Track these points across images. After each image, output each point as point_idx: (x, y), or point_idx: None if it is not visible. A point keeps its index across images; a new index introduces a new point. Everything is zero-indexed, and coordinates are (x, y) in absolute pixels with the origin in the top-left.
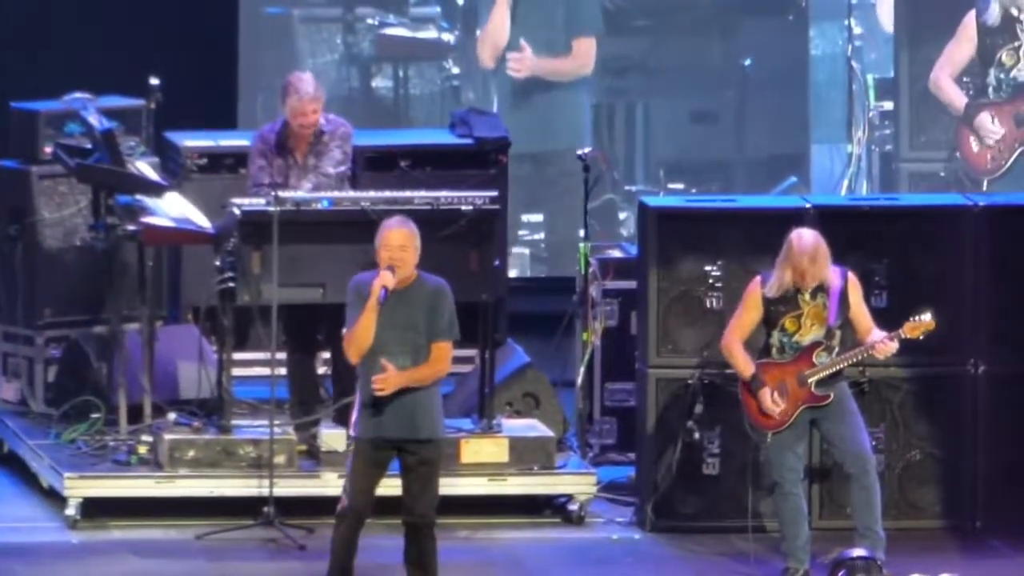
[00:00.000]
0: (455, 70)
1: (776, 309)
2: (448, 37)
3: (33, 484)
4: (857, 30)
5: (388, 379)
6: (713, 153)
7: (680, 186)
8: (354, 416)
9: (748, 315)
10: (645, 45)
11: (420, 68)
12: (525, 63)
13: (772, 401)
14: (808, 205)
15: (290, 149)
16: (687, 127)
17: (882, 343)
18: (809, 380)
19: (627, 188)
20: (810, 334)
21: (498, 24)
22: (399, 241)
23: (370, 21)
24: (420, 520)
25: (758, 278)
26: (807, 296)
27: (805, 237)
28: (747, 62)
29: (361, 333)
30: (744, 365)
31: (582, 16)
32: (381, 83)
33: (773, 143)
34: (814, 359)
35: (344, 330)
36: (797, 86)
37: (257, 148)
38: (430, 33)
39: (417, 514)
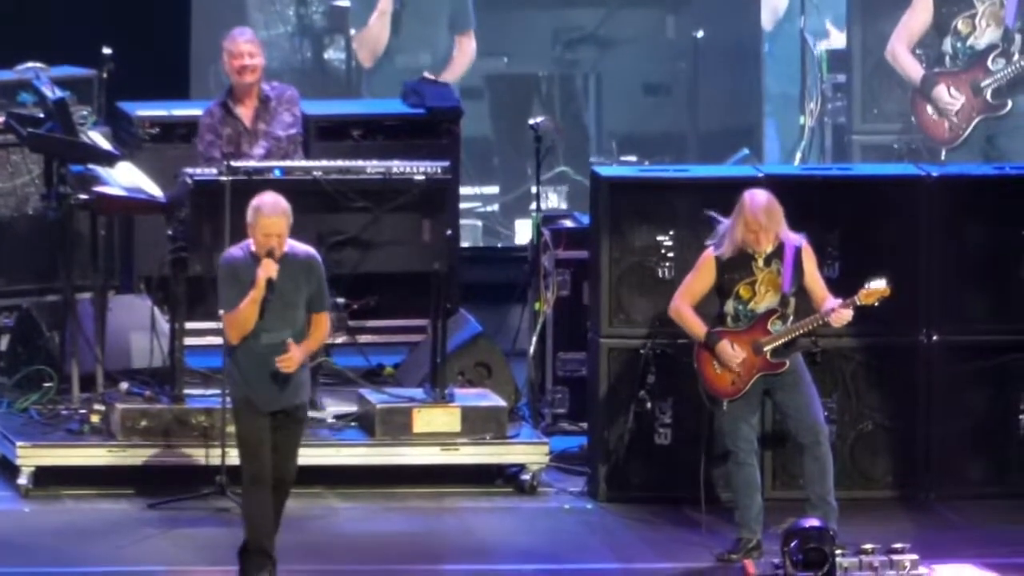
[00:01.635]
0: None
1: (730, 277)
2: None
3: None
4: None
5: (293, 357)
6: (666, 125)
7: (633, 158)
8: (231, 384)
9: (699, 281)
10: (597, 16)
11: None
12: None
13: (733, 351)
14: (760, 174)
15: (237, 115)
16: (640, 99)
17: (837, 311)
18: (765, 348)
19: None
20: (765, 301)
21: (377, 31)
22: (278, 229)
23: None
24: (291, 477)
25: (711, 247)
26: (760, 263)
27: (758, 195)
28: (699, 34)
29: (246, 319)
30: (697, 326)
31: (462, 13)
32: (333, 55)
33: (726, 115)
34: (769, 327)
35: (220, 311)
36: (750, 58)
37: (205, 123)
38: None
39: (291, 473)
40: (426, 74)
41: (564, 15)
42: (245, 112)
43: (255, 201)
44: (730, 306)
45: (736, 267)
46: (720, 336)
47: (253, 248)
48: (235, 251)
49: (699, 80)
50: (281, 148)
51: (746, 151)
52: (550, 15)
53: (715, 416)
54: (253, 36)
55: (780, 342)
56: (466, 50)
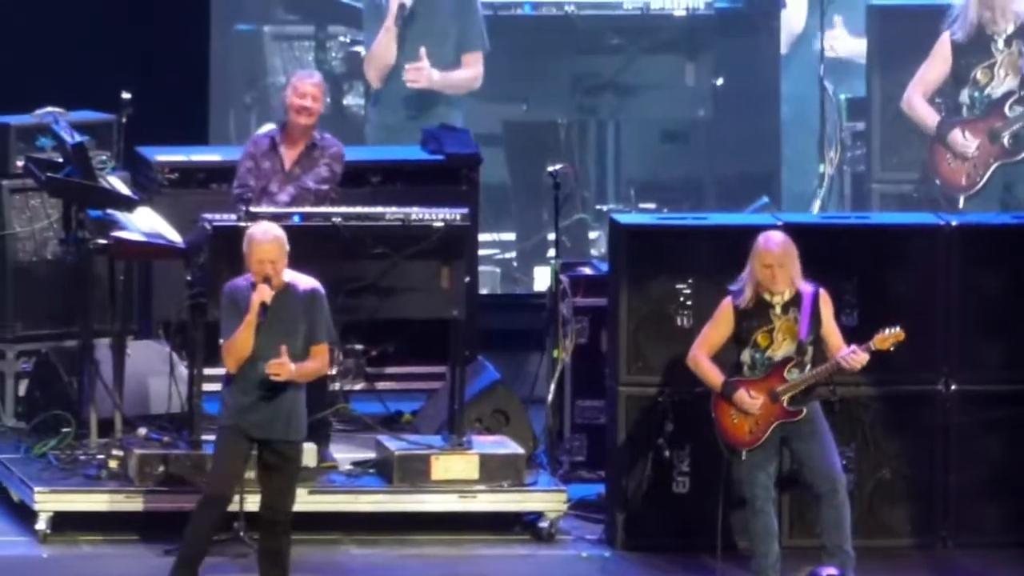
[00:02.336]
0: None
1: (748, 324)
2: None
3: (3, 498)
4: (830, 52)
5: (285, 365)
6: (684, 172)
7: (651, 205)
8: (222, 411)
9: (717, 330)
10: (616, 64)
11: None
12: (423, 74)
13: (751, 397)
14: (779, 222)
15: (280, 154)
16: (658, 146)
17: (852, 354)
18: (782, 396)
19: (598, 207)
20: (782, 349)
21: (385, 47)
22: (271, 255)
23: (342, 39)
24: (285, 517)
25: (729, 295)
26: (778, 311)
27: (772, 236)
28: (719, 81)
29: (240, 347)
30: (714, 375)
31: (471, 33)
32: (352, 101)
33: (744, 162)
34: (785, 375)
35: (221, 340)
36: (769, 105)
37: (248, 151)
38: None
39: (284, 511)
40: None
41: (583, 62)
42: (289, 153)
43: (249, 231)
44: (747, 354)
45: (754, 315)
46: (737, 385)
47: (253, 280)
48: (238, 281)
49: (718, 127)
50: (307, 200)
51: (766, 199)
52: (569, 62)
53: (732, 465)
54: (321, 81)
55: (797, 390)
56: (471, 69)
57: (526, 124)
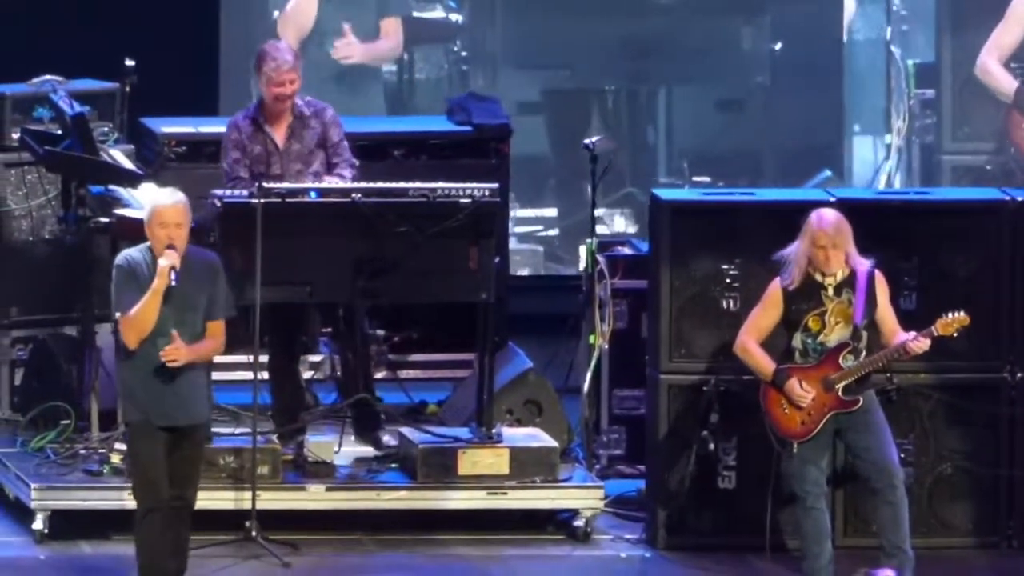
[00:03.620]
0: (463, 53)
1: (798, 307)
2: (456, 17)
3: None
4: (897, 15)
5: (180, 349)
6: (740, 144)
7: (706, 179)
8: (123, 403)
9: (766, 314)
10: (667, 27)
11: (426, 51)
12: (353, 48)
13: (802, 390)
14: (832, 199)
15: (267, 133)
16: (713, 116)
17: (915, 340)
18: (836, 385)
19: (651, 180)
20: (835, 334)
21: (305, 6)
22: (176, 218)
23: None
24: (189, 504)
25: (777, 278)
26: (831, 292)
27: (826, 215)
28: (777, 46)
29: (146, 317)
30: (764, 363)
31: None
32: (385, 67)
33: (805, 133)
34: (840, 362)
35: (117, 313)
36: (831, 72)
37: (231, 139)
38: (436, 13)
39: (189, 498)
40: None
41: (631, 24)
42: (277, 130)
43: (150, 197)
44: (798, 340)
45: (804, 297)
46: (789, 373)
47: (151, 250)
48: (131, 251)
49: (776, 95)
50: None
51: (828, 172)
52: (616, 24)
53: (782, 458)
54: (295, 60)
55: (853, 378)
56: (392, 38)
57: (569, 92)
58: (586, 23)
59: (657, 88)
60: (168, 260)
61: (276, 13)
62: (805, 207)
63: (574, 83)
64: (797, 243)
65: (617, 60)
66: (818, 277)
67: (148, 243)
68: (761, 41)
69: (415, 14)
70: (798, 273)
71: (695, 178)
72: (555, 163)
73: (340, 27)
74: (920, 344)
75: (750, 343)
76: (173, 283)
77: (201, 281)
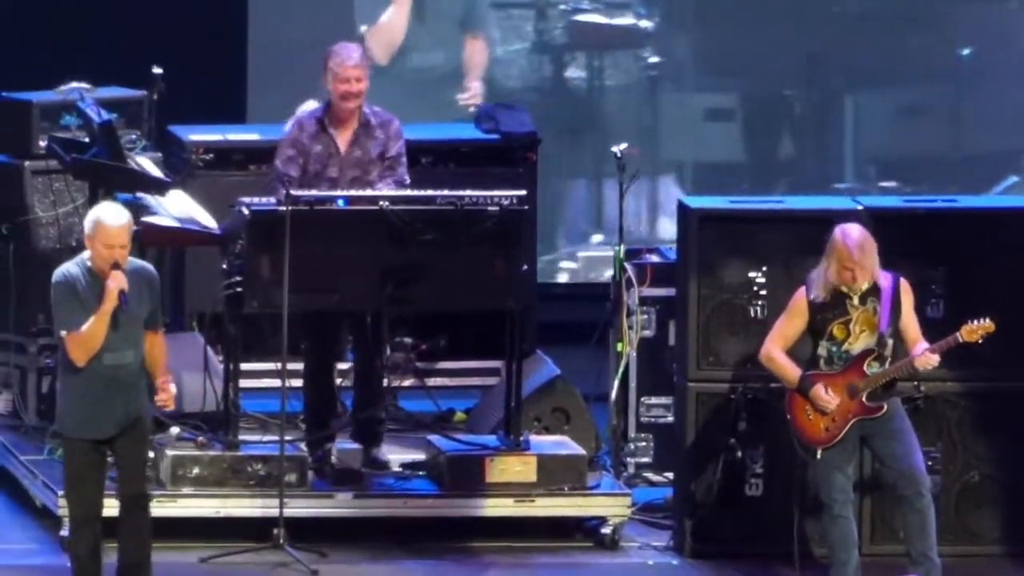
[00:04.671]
0: (653, 59)
1: (823, 316)
2: (646, 24)
3: (26, 503)
4: None
5: (172, 397)
6: (926, 150)
7: (892, 184)
8: (61, 418)
9: (792, 323)
10: (853, 33)
11: (615, 57)
12: (477, 96)
13: (827, 395)
14: (860, 207)
15: (331, 135)
16: (898, 121)
17: (922, 355)
18: (861, 391)
19: (835, 186)
20: (860, 342)
21: (397, 22)
22: (121, 239)
23: (563, 7)
24: (144, 490)
25: (804, 287)
26: (856, 300)
27: (850, 231)
28: (964, 52)
29: (95, 338)
30: (789, 370)
31: (473, 14)
32: (574, 73)
33: (992, 139)
34: (865, 369)
35: (62, 332)
36: (1018, 77)
37: (291, 136)
38: (626, 20)
39: (144, 487)
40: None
41: (819, 30)
42: (341, 135)
43: (94, 212)
44: (823, 348)
45: (830, 306)
46: (814, 380)
47: (89, 264)
48: (69, 266)
49: (963, 101)
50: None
51: (1014, 178)
52: (804, 30)
53: (809, 466)
54: (362, 59)
55: (877, 384)
56: (475, 53)
57: (756, 98)
58: (774, 30)
59: (843, 94)
60: (117, 283)
61: (364, 27)
62: (833, 216)
63: (761, 89)
64: (823, 259)
65: (804, 66)
66: (843, 288)
67: (84, 256)
68: (947, 46)
69: (605, 20)
70: (823, 289)
71: (881, 183)
72: (745, 169)
73: (427, 41)
74: (927, 360)
75: (775, 351)
76: (123, 308)
77: (142, 295)
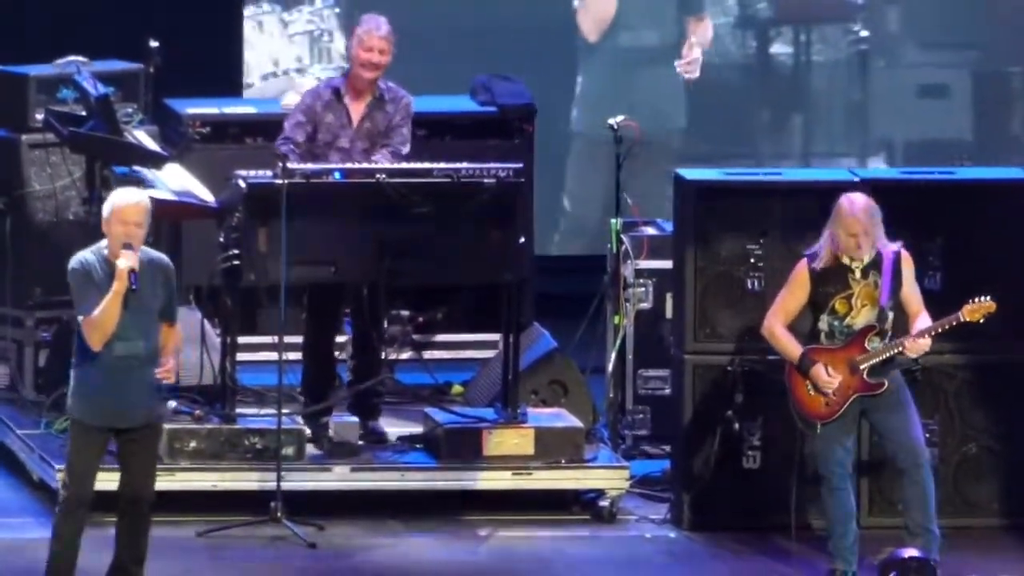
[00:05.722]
0: (864, 33)
1: (825, 290)
2: None
3: (22, 476)
4: None
5: (172, 371)
6: None
7: None
8: (70, 399)
9: (793, 296)
10: None
11: (824, 32)
12: (698, 64)
13: (828, 375)
14: (857, 178)
15: (345, 105)
16: None
17: (912, 341)
18: (861, 367)
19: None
20: (862, 316)
21: None
22: (136, 217)
23: None
24: (149, 497)
25: (804, 259)
26: (858, 274)
27: (856, 198)
28: None
29: (109, 320)
30: (791, 347)
31: None
32: (780, 49)
33: None
34: (866, 344)
35: (80, 316)
36: None
37: (304, 104)
38: None
39: (148, 490)
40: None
41: None
42: (356, 106)
43: (112, 193)
44: (825, 322)
45: (832, 280)
46: (814, 359)
47: (105, 251)
48: (85, 253)
49: None
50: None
51: None
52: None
53: (807, 438)
54: (389, 32)
55: (878, 359)
56: (700, 35)
57: (978, 73)
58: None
59: None
60: (127, 262)
61: (576, 1)
62: (829, 188)
63: (981, 65)
64: (827, 226)
65: None
66: (845, 260)
67: (100, 244)
68: None
69: None
70: (827, 257)
71: None
72: (972, 145)
73: (639, 19)
74: (916, 345)
75: (777, 327)
76: (133, 287)
77: (156, 284)
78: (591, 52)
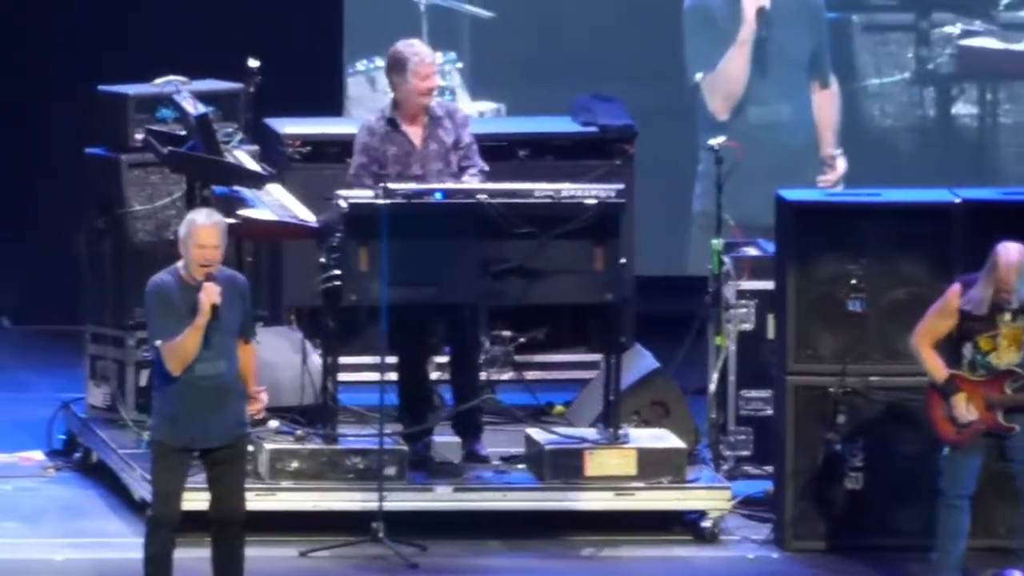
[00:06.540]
0: None
1: (971, 325)
2: None
3: (124, 496)
4: None
5: (263, 403)
6: None
7: None
8: (153, 420)
9: (942, 323)
10: None
11: (1013, 89)
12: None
13: (966, 410)
14: (957, 199)
15: (405, 133)
16: None
17: None
18: (997, 407)
19: None
20: (1007, 358)
21: (736, 70)
22: (214, 240)
23: (948, 30)
24: (239, 517)
25: (957, 285)
26: (1007, 316)
27: (1011, 251)
28: None
29: (189, 350)
30: (938, 368)
31: (821, 61)
32: (963, 108)
33: None
34: (1005, 387)
35: (157, 341)
36: None
37: (362, 143)
38: (1019, 45)
39: (238, 511)
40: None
41: None
42: (414, 131)
43: (189, 215)
44: (968, 350)
45: (980, 318)
46: (958, 386)
47: (182, 272)
48: (162, 275)
49: None
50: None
51: None
52: None
53: (937, 454)
54: (433, 54)
55: (1014, 403)
56: (824, 105)
57: None
58: None
59: None
60: (209, 298)
61: (699, 75)
62: (930, 209)
63: None
64: (982, 275)
65: None
66: (998, 301)
67: (177, 266)
68: None
69: (1000, 45)
70: (981, 305)
71: None
72: None
73: (770, 90)
74: None
75: (924, 346)
76: (216, 324)
77: (234, 304)
78: (717, 129)
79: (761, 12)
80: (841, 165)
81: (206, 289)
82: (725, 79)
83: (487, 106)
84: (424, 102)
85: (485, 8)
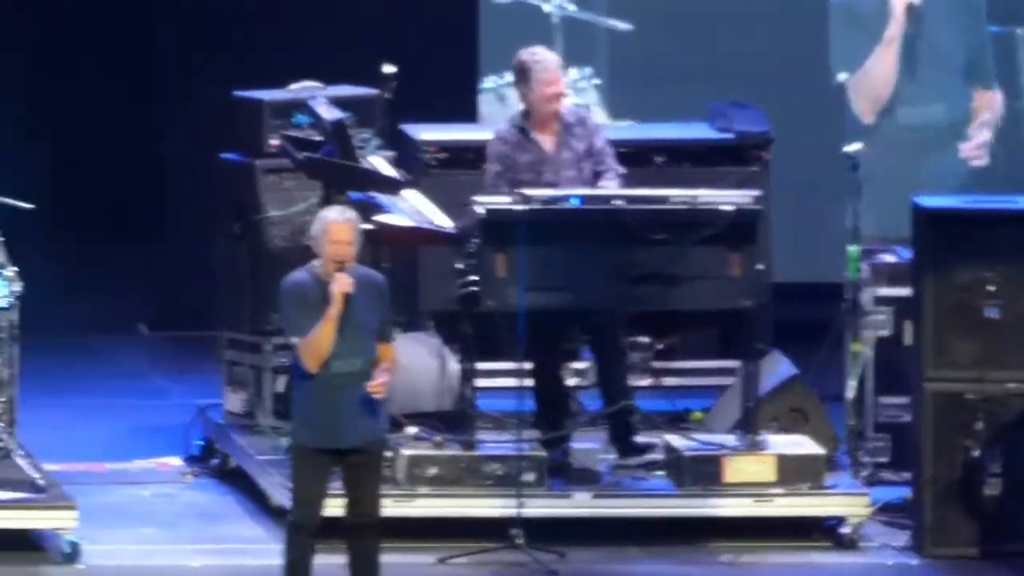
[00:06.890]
0: None
1: None
2: None
3: (260, 502)
4: None
5: (384, 386)
6: None
7: None
8: (292, 423)
9: None
10: None
11: None
12: (985, 148)
13: None
14: None
15: (536, 140)
16: None
17: None
18: None
19: None
20: None
21: (883, 71)
22: (347, 236)
23: None
24: (374, 521)
25: None
26: None
27: None
28: None
29: (324, 344)
30: None
31: (982, 64)
32: None
33: None
34: None
35: (294, 339)
36: None
37: (495, 151)
38: None
39: (372, 515)
40: None
41: None
42: (546, 138)
43: (321, 212)
44: None
45: None
46: None
47: (318, 270)
48: (298, 273)
49: None
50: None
51: None
52: None
53: None
54: (559, 60)
55: None
56: (989, 107)
57: None
58: None
59: None
60: (341, 286)
61: (843, 75)
62: None
63: None
64: None
65: None
66: None
67: (313, 264)
68: None
69: None
70: None
71: None
72: None
73: (922, 92)
74: None
75: None
76: (349, 312)
77: (370, 302)
78: (863, 134)
79: (911, 8)
80: (985, 134)
81: (338, 279)
82: (871, 79)
83: (625, 124)
84: (552, 108)
85: (621, 20)
